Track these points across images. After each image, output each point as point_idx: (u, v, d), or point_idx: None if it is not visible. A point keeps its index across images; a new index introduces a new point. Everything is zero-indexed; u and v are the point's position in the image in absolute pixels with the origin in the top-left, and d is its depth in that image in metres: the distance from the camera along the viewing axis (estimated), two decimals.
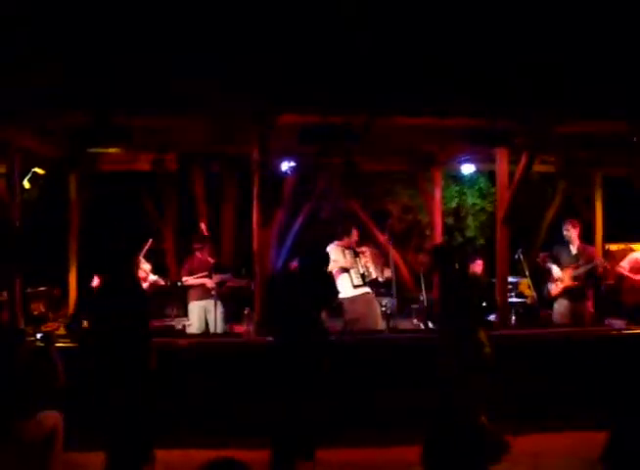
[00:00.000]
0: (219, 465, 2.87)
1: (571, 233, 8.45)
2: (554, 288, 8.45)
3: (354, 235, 8.56)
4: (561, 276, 8.40)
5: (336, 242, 8.50)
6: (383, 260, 8.69)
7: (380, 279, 8.51)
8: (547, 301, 8.73)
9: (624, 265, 8.80)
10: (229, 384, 6.58)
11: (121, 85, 6.59)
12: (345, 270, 8.34)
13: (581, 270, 8.33)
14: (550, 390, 6.85)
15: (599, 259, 8.59)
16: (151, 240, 8.72)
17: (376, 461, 6.00)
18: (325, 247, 8.10)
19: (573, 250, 8.46)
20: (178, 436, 6.04)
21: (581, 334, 7.65)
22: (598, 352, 7.15)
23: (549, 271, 8.51)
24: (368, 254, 8.55)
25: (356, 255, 8.46)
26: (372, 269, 8.45)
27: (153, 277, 8.63)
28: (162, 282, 8.82)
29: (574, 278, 8.35)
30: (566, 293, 8.39)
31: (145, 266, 8.60)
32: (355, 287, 8.33)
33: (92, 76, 6.56)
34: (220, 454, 2.94)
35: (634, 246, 9.35)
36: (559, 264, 8.46)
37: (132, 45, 6.68)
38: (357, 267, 8.39)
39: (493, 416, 5.76)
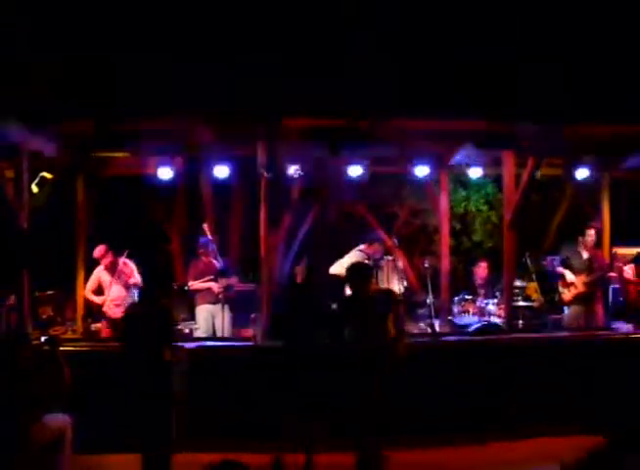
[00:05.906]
0: (222, 466, 2.87)
1: (589, 239, 8.43)
2: (567, 293, 8.42)
3: (378, 249, 8.50)
4: (575, 282, 8.38)
5: (362, 247, 8.46)
6: (399, 273, 8.60)
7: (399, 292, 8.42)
8: (558, 305, 8.70)
9: (628, 270, 8.80)
10: (238, 387, 6.57)
11: (126, 89, 6.60)
12: None
13: (594, 277, 8.32)
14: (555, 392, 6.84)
15: (608, 268, 8.56)
16: (127, 251, 8.68)
17: None
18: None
19: (585, 255, 8.43)
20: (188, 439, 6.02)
21: (588, 337, 7.62)
22: (605, 355, 7.12)
23: (562, 276, 8.48)
24: (386, 269, 8.49)
25: (377, 268, 8.38)
26: (391, 285, 8.37)
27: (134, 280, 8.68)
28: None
29: (587, 284, 8.32)
30: (577, 298, 8.38)
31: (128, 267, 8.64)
32: None
33: (95, 82, 6.58)
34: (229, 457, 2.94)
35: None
36: (571, 269, 8.43)
37: (137, 48, 6.70)
38: (377, 281, 8.32)
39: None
